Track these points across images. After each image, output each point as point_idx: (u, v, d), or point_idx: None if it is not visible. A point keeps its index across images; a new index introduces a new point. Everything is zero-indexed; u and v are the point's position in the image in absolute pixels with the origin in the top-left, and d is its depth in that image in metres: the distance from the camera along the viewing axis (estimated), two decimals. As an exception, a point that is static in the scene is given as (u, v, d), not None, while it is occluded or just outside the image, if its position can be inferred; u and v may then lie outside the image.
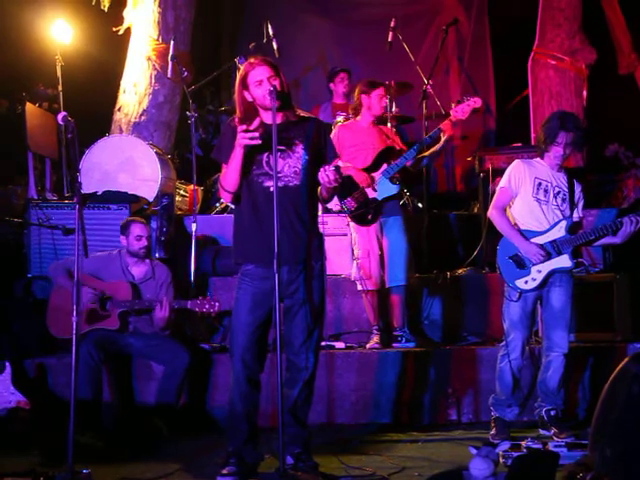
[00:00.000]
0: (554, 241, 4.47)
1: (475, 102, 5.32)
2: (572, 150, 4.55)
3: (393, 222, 5.45)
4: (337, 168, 3.66)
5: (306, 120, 3.88)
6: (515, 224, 4.55)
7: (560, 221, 4.49)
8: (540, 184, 4.53)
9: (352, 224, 5.48)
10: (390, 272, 5.41)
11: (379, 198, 5.37)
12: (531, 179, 4.53)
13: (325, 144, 3.88)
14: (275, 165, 3.63)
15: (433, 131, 5.47)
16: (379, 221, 5.41)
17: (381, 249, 5.41)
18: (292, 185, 3.78)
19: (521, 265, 4.47)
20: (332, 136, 5.53)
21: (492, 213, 4.60)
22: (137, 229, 5.15)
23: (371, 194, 5.36)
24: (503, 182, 4.60)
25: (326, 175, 3.63)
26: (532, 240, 4.47)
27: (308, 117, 3.94)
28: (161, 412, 4.84)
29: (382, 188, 5.37)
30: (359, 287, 5.46)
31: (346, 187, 5.34)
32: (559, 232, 4.48)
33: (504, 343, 4.53)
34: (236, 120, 3.81)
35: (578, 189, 4.59)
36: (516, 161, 4.64)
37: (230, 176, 3.77)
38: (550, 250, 4.45)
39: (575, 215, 4.55)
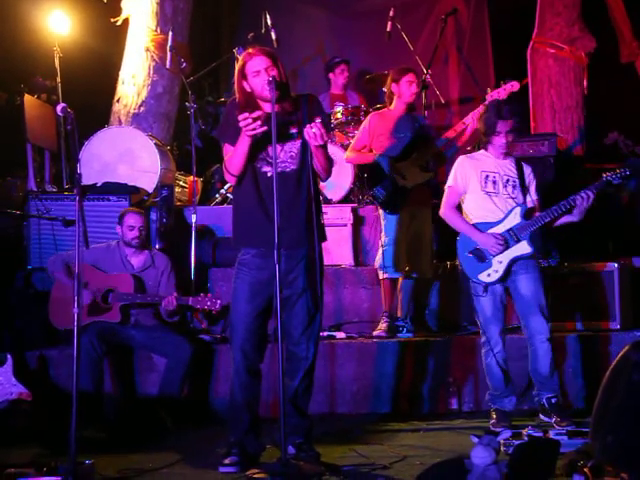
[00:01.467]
0: (510, 229, 4.45)
1: (513, 86, 5.19)
2: (514, 137, 4.53)
3: (421, 212, 5.44)
4: (324, 123, 3.53)
5: (298, 102, 3.82)
6: (470, 220, 4.54)
7: (514, 208, 4.47)
8: (487, 177, 4.52)
9: (381, 211, 5.46)
10: (412, 263, 5.40)
11: (409, 187, 5.36)
12: (477, 173, 4.53)
13: (315, 113, 3.74)
14: (275, 157, 3.59)
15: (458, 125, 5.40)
16: (408, 210, 5.39)
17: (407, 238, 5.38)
18: (289, 170, 3.78)
19: (482, 258, 4.45)
20: (364, 124, 5.55)
21: (444, 213, 4.60)
22: (130, 219, 5.17)
23: (401, 182, 5.34)
24: (450, 181, 4.61)
25: (312, 132, 3.52)
26: (489, 231, 4.46)
27: (299, 97, 3.86)
28: (164, 404, 4.85)
29: (412, 177, 5.35)
30: (380, 275, 5.44)
31: (376, 174, 5.35)
32: (514, 219, 4.46)
33: (484, 339, 4.52)
34: (237, 101, 3.77)
35: (527, 171, 4.57)
36: (460, 158, 4.64)
37: (236, 161, 3.75)
38: (508, 238, 4.43)
39: (529, 200, 4.53)
